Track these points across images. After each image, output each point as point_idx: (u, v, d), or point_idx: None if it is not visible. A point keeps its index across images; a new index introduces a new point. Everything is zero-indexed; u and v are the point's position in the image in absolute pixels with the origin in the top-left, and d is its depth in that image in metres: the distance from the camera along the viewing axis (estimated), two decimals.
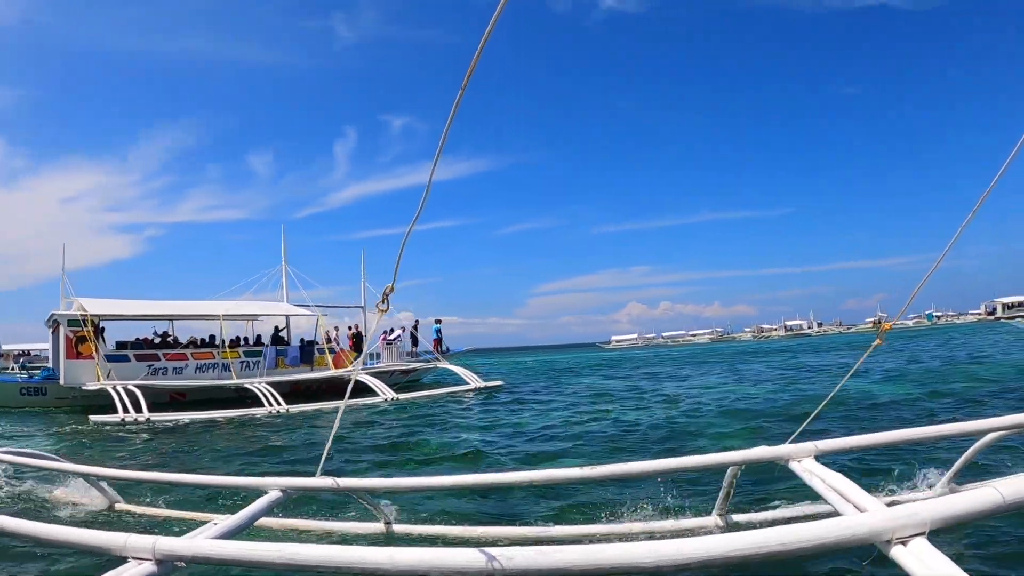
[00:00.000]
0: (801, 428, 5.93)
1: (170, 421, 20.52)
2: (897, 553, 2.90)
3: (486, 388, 28.81)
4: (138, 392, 22.05)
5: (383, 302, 4.27)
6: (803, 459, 4.96)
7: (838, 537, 2.94)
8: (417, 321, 35.91)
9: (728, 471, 5.86)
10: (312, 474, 5.61)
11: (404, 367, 32.45)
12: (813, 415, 6.20)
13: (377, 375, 28.24)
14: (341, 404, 5.76)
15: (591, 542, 5.34)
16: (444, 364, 32.60)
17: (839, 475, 4.40)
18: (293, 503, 6.97)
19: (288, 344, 31.39)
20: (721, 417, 15.85)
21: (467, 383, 29.29)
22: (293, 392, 26.60)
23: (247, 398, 23.98)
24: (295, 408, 22.81)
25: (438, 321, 36.69)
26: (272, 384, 24.94)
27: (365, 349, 27.60)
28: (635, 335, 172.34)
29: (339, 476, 5.62)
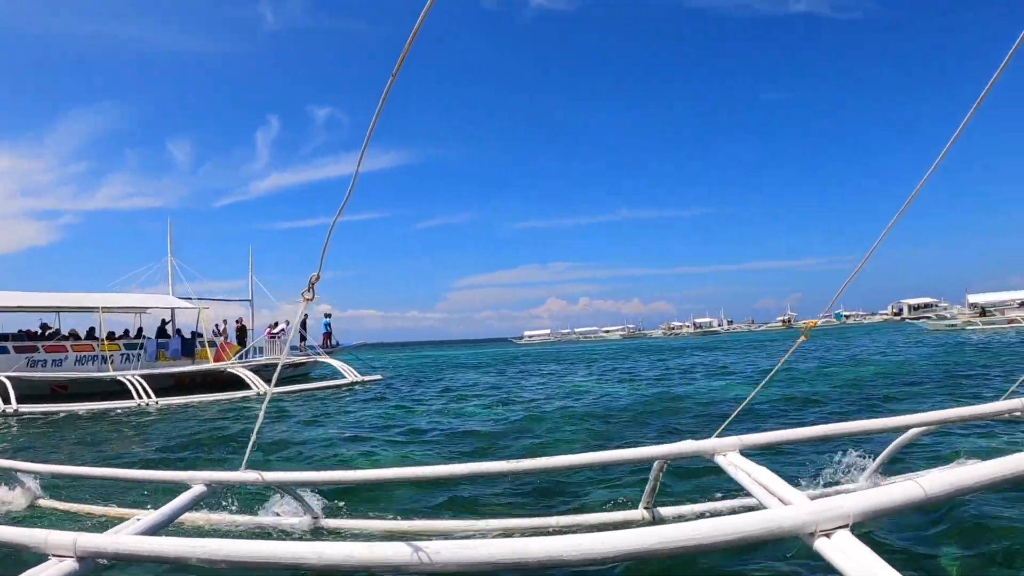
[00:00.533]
0: (726, 423, 6.00)
1: (38, 414, 20.32)
2: (821, 545, 2.94)
3: (363, 383, 28.78)
4: (8, 383, 21.58)
5: (309, 291, 4.22)
6: (728, 453, 5.02)
7: (763, 530, 2.96)
8: (306, 316, 35.64)
9: (654, 465, 5.89)
10: (236, 467, 5.51)
11: (291, 361, 32.24)
12: (737, 410, 6.27)
13: (264, 369, 28.39)
14: (268, 392, 5.69)
15: (519, 536, 5.33)
16: (325, 358, 32.35)
17: (764, 469, 4.45)
18: (218, 498, 6.86)
19: (170, 337, 31.34)
20: (544, 420, 15.65)
21: (344, 377, 29.23)
22: (177, 385, 26.65)
23: (125, 391, 23.67)
24: (164, 401, 22.71)
25: (327, 315, 36.43)
26: (151, 377, 24.75)
27: (249, 342, 27.47)
28: (547, 331, 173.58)
29: (264, 470, 5.54)
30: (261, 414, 5.34)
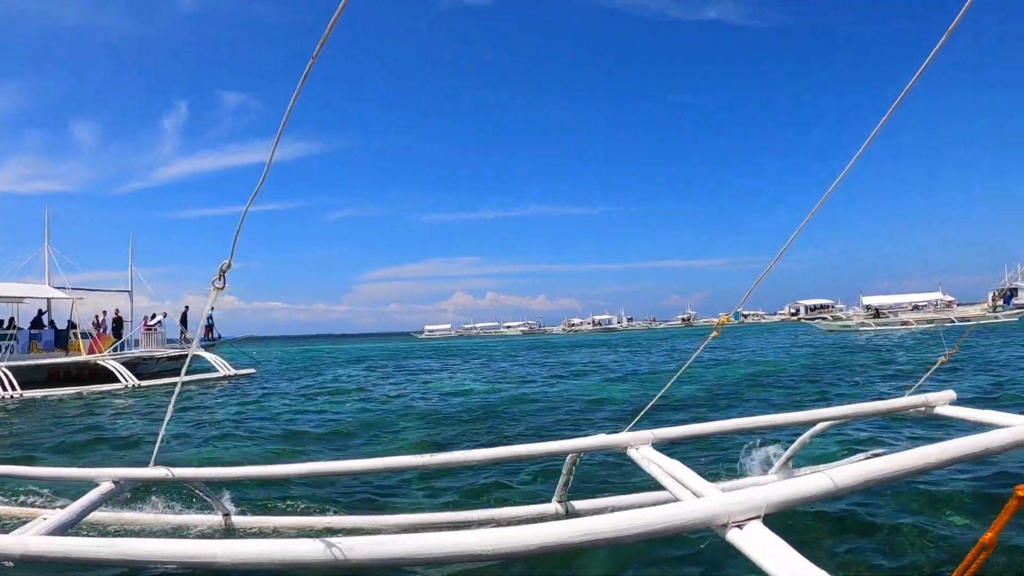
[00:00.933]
0: (639, 417, 6.04)
1: None
2: (733, 536, 2.98)
3: (234, 377, 28.57)
4: None
5: (220, 279, 4.11)
6: (641, 447, 5.06)
7: (676, 522, 2.99)
8: (187, 307, 35.23)
9: (567, 458, 5.92)
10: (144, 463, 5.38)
11: (171, 353, 31.92)
12: (649, 405, 6.32)
13: (142, 362, 28.20)
14: (178, 383, 5.57)
15: (433, 531, 5.30)
16: (199, 352, 31.54)
17: (676, 462, 4.50)
18: (128, 496, 6.66)
19: (44, 327, 30.75)
20: (385, 422, 15.43)
21: (217, 371, 28.94)
22: (50, 377, 26.13)
23: None
24: (29, 394, 22.31)
25: (211, 308, 35.71)
26: (20, 369, 24.22)
27: (125, 334, 26.98)
28: (448, 326, 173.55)
29: (173, 466, 5.41)
30: (170, 408, 5.21)
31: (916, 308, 72.87)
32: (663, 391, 6.37)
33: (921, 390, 6.44)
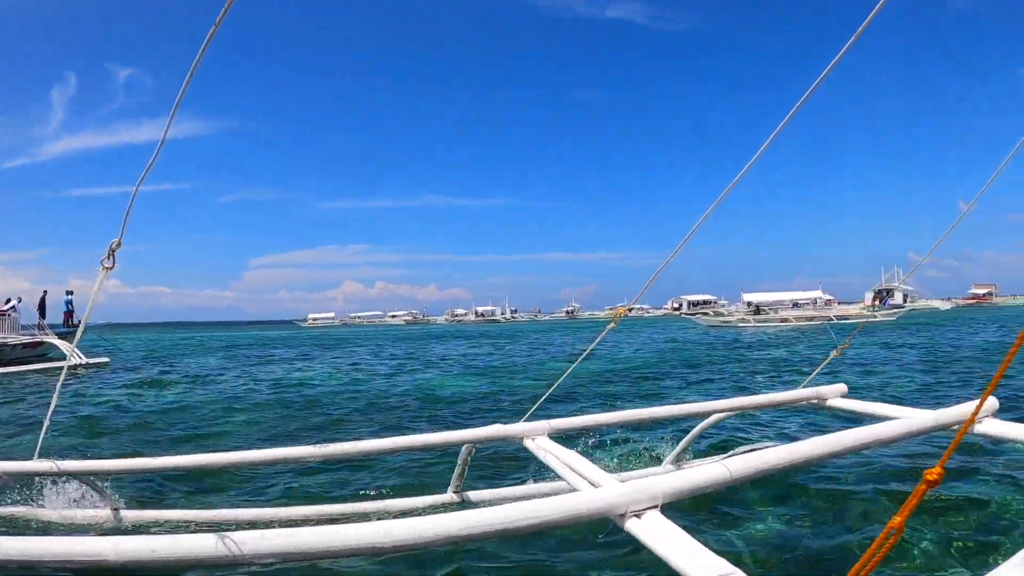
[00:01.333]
0: (535, 407, 6.02)
1: None
2: (631, 526, 2.96)
3: (85, 366, 27.45)
4: None
5: (109, 258, 3.92)
6: (537, 437, 5.04)
7: (574, 512, 2.96)
8: (45, 292, 34.14)
9: (463, 449, 5.87)
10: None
11: (24, 340, 30.71)
12: (546, 395, 6.32)
13: None
14: (63, 368, 5.33)
15: (327, 523, 5.17)
16: (52, 339, 30.79)
17: (573, 453, 4.49)
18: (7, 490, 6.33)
19: None
20: (202, 410, 14.99)
21: (68, 359, 27.74)
22: None
23: None
24: None
25: (69, 292, 34.87)
26: None
27: None
28: (332, 314, 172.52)
29: (60, 459, 5.18)
30: (55, 397, 4.96)
31: (796, 306, 73.91)
32: (558, 383, 6.38)
33: (813, 383, 6.57)
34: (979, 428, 4.80)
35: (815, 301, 75.13)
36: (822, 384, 6.46)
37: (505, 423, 5.51)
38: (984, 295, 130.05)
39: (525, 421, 5.38)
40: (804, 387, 6.46)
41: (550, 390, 6.31)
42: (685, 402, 6.57)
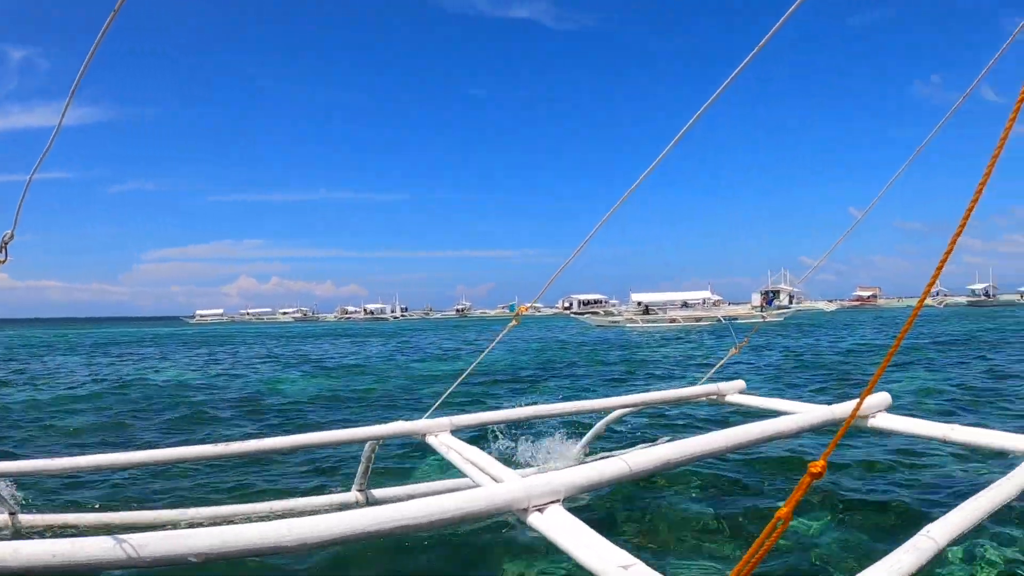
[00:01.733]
0: (438, 403, 6.02)
1: None
2: (534, 520, 3.00)
3: None
4: None
5: (1, 251, 3.78)
6: (440, 433, 5.06)
7: (478, 507, 2.98)
8: None
9: (366, 446, 5.83)
10: None
11: None
12: (449, 390, 6.31)
13: None
14: None
15: (231, 524, 5.08)
16: None
17: (475, 448, 4.52)
18: None
19: None
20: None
21: None
22: None
23: None
24: None
25: None
26: None
27: None
28: (220, 310, 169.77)
29: None
30: None
31: (686, 306, 74.60)
32: (462, 377, 6.37)
33: (711, 380, 6.72)
34: (872, 422, 4.98)
35: (704, 301, 76.41)
36: (721, 380, 6.61)
37: (408, 419, 5.50)
38: (868, 297, 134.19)
39: (428, 418, 5.38)
40: (704, 383, 6.60)
41: (452, 387, 6.31)
42: (588, 398, 6.63)
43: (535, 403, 6.29)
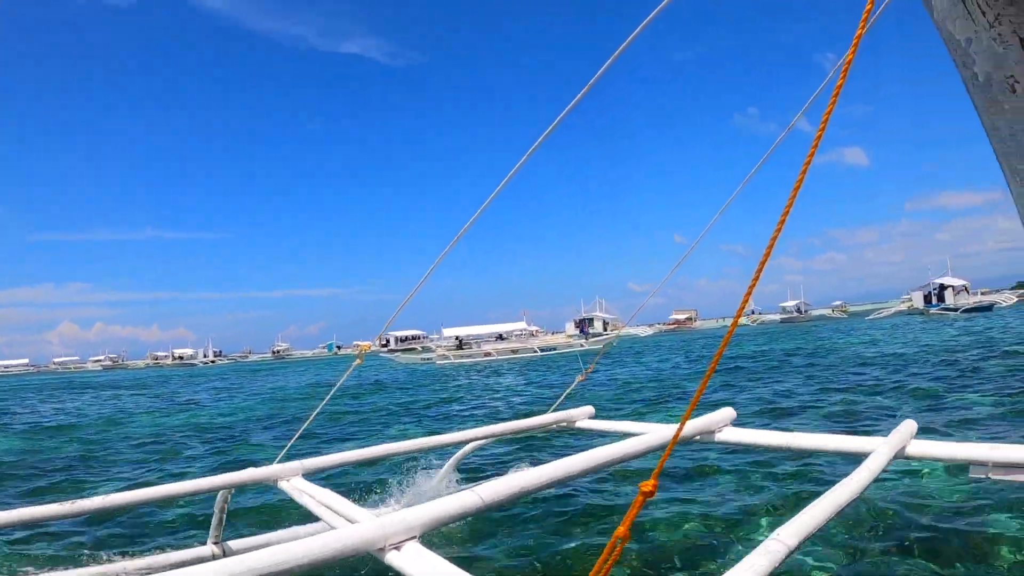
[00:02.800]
0: (286, 448, 5.95)
1: None
2: (392, 558, 3.00)
3: None
4: None
5: None
6: (291, 478, 5.00)
7: (333, 550, 2.96)
8: None
9: (218, 496, 5.70)
10: None
11: None
12: (297, 434, 6.26)
13: None
14: None
15: None
16: None
17: (328, 491, 4.48)
18: None
19: None
20: None
21: None
22: None
23: None
24: None
25: None
26: None
27: None
28: (25, 360, 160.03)
29: None
30: None
31: (501, 338, 73.93)
32: (310, 419, 6.34)
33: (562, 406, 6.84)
34: (719, 436, 5.16)
35: (520, 332, 75.92)
36: (571, 407, 6.73)
37: (258, 466, 5.40)
38: (685, 320, 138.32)
39: (279, 462, 5.29)
40: (554, 411, 6.71)
41: (300, 429, 6.27)
42: (441, 433, 6.65)
43: (387, 442, 6.29)
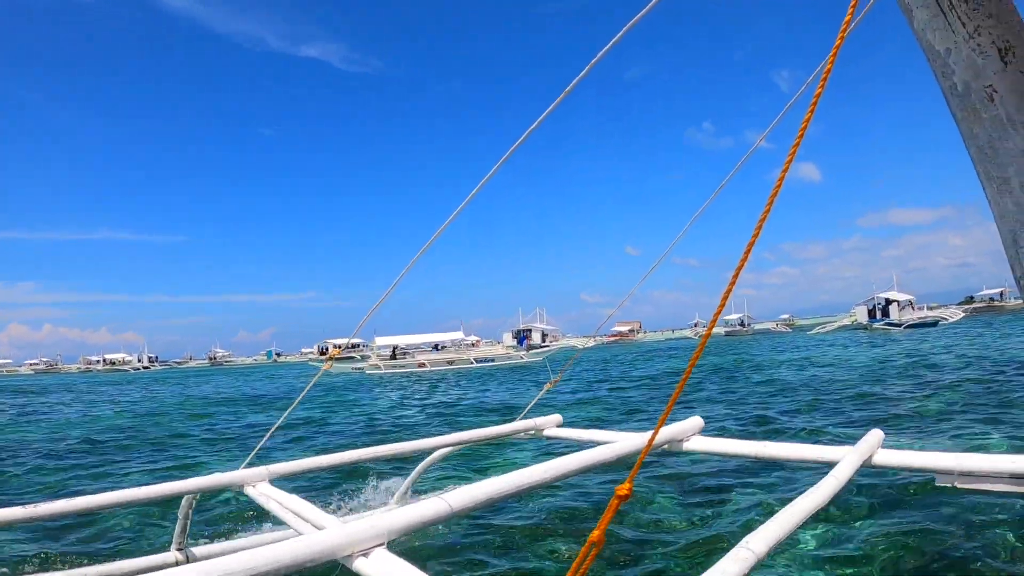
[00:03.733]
0: (253, 453, 5.91)
1: None
2: (360, 565, 2.98)
3: None
4: None
5: None
6: (258, 484, 4.96)
7: (299, 557, 2.93)
8: None
9: (183, 501, 5.64)
10: None
11: None
12: (267, 436, 6.23)
13: None
14: None
15: None
16: None
17: (295, 497, 4.45)
18: None
19: None
20: None
21: None
22: None
23: None
24: None
25: None
26: None
27: None
28: None
29: None
30: None
31: (438, 348, 69.59)
32: (277, 424, 6.31)
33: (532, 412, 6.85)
34: (687, 445, 5.19)
35: (457, 342, 70.92)
36: (538, 416, 6.74)
37: (223, 471, 5.36)
38: (627, 332, 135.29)
39: (245, 467, 5.25)
40: (521, 419, 6.71)
41: (267, 435, 6.22)
42: (408, 440, 6.64)
43: (356, 447, 6.27)
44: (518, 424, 6.58)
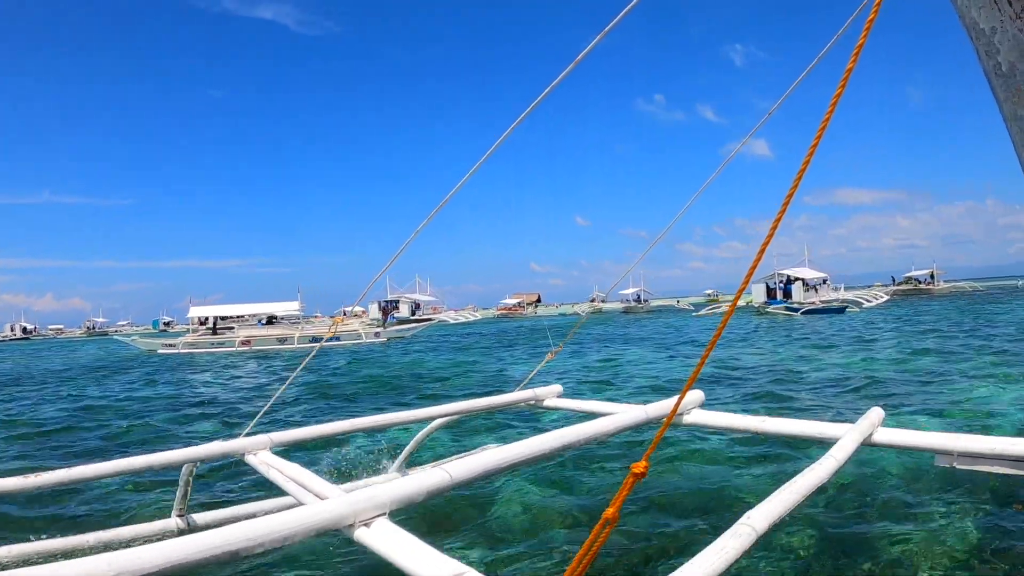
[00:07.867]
0: (255, 421, 5.92)
1: None
2: (361, 535, 3.00)
3: None
4: None
5: None
6: (259, 452, 4.97)
7: (302, 526, 2.95)
8: None
9: (183, 469, 5.65)
10: None
11: None
12: (266, 408, 6.23)
13: None
14: None
15: (43, 562, 4.76)
16: None
17: (297, 466, 4.46)
18: None
19: None
20: None
21: None
22: None
23: None
24: None
25: None
26: None
27: None
28: None
29: None
30: None
31: (272, 322, 55.83)
32: (279, 393, 6.32)
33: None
34: (688, 419, 5.21)
35: (295, 316, 56.17)
36: (538, 386, 6.75)
37: (225, 439, 5.37)
38: (515, 307, 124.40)
39: (245, 436, 5.26)
40: (521, 389, 6.72)
41: (268, 404, 6.23)
42: (408, 408, 6.66)
43: (354, 416, 6.27)
44: (518, 394, 6.58)
